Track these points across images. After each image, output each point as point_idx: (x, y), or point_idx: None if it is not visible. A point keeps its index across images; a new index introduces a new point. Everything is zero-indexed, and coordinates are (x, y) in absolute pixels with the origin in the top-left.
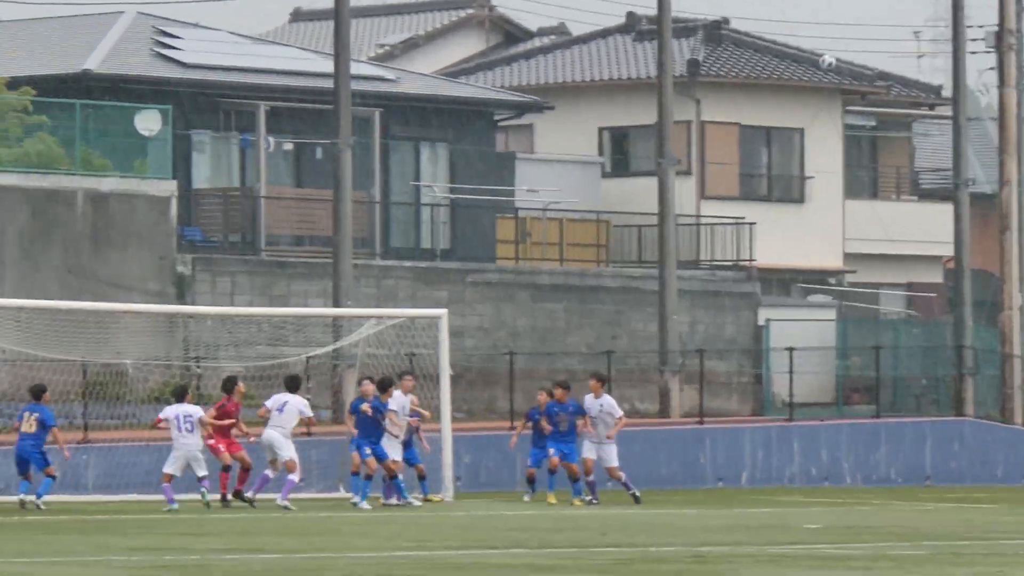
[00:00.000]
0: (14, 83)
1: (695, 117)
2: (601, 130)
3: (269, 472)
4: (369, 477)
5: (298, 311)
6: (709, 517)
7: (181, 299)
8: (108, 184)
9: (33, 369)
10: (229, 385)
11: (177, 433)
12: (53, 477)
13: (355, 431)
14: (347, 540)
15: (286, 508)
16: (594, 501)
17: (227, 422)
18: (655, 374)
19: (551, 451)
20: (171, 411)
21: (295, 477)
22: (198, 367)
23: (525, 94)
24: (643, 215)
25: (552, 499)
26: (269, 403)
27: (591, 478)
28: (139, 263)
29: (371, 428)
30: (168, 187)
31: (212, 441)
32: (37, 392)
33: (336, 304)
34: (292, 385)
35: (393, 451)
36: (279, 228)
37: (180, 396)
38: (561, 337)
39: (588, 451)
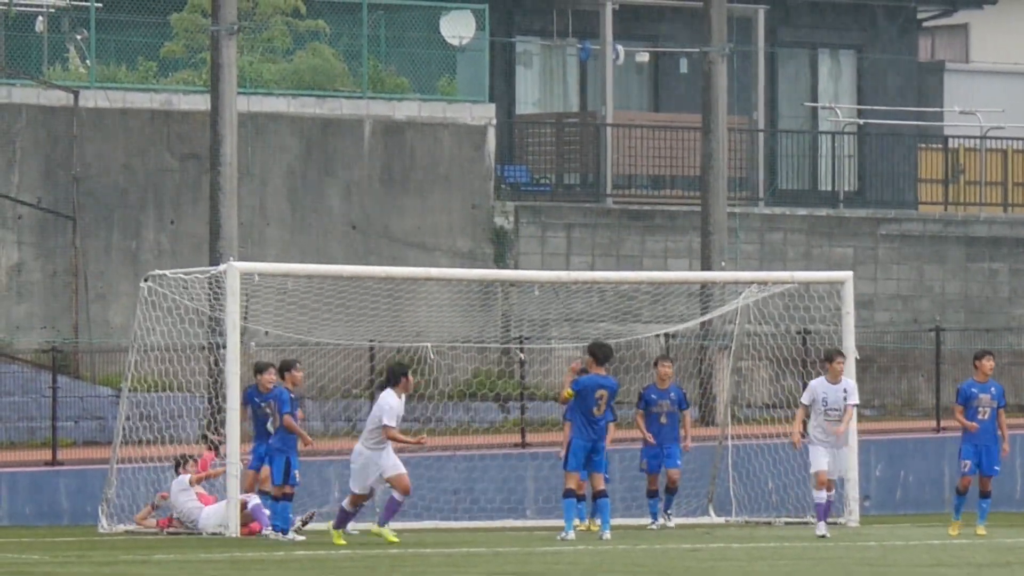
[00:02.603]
0: None
1: None
2: None
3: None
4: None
5: (655, 275)
6: None
7: (500, 260)
8: (404, 110)
9: (304, 354)
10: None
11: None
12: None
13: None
14: None
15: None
16: None
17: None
18: None
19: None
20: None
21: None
22: (521, 351)
23: None
24: None
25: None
26: None
27: None
28: (445, 214)
29: None
30: (483, 113)
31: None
32: (282, 368)
33: (705, 266)
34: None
35: None
36: (630, 167)
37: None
38: (1005, 307)
39: None
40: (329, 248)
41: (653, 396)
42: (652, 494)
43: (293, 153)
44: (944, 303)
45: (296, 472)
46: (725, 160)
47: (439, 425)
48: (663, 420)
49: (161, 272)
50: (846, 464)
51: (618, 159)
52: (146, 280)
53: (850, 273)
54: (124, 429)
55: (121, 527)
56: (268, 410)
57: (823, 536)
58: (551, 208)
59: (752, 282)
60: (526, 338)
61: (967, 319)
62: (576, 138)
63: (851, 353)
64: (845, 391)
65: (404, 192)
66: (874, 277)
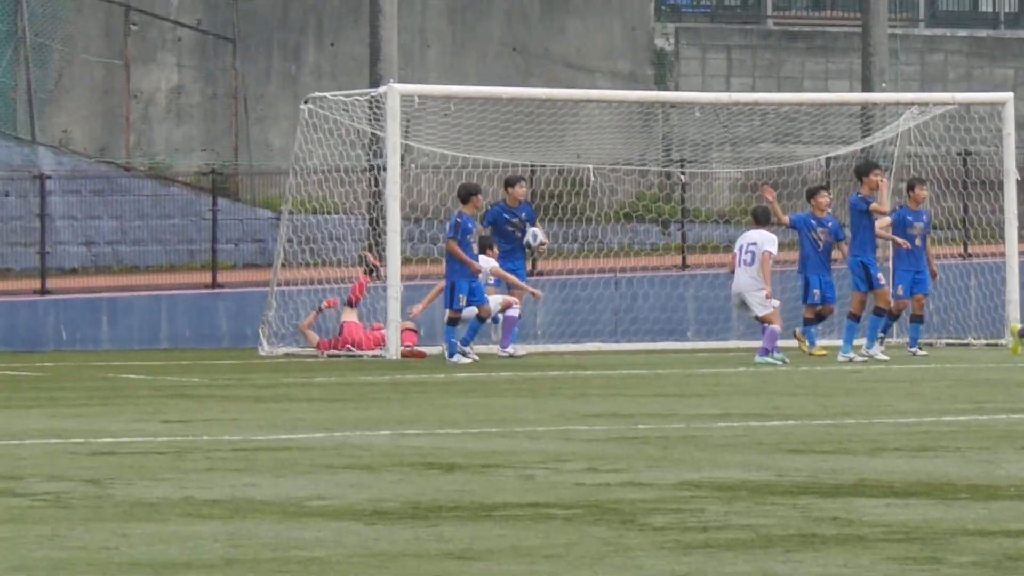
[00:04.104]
0: None
1: None
2: None
3: None
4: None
5: (816, 97)
6: None
7: (661, 83)
8: None
9: (463, 177)
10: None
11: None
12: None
13: None
14: (882, 401)
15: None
16: None
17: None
18: None
19: None
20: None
21: (775, 328)
22: (683, 174)
23: None
24: None
25: None
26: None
27: None
28: (605, 36)
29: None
30: None
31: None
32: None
33: (866, 87)
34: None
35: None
36: None
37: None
38: None
39: None
40: (489, 71)
41: (813, 222)
42: (810, 321)
43: None
44: None
45: (462, 296)
46: None
47: (600, 247)
48: (820, 248)
49: (321, 94)
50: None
51: None
52: (306, 102)
53: (1011, 94)
54: (284, 251)
55: (282, 349)
56: (517, 224)
57: None
58: (711, 30)
59: (913, 103)
60: (687, 160)
61: None
62: None
63: (1012, 175)
64: None
65: (564, 14)
66: None
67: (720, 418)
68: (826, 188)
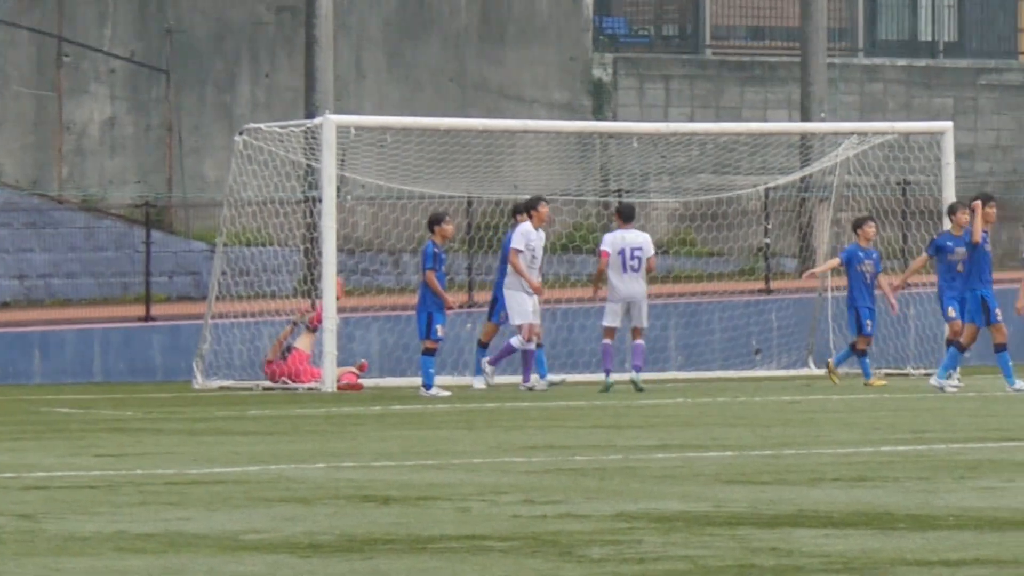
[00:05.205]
0: None
1: None
2: None
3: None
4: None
5: (754, 127)
6: None
7: (598, 113)
8: None
9: (398, 209)
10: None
11: (621, 274)
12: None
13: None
14: (821, 432)
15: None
16: None
17: None
18: None
19: None
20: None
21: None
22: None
23: None
24: None
25: None
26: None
27: None
28: (543, 66)
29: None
30: None
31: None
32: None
33: (805, 117)
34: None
35: None
36: (729, 18)
37: (628, 217)
38: None
39: None
40: (426, 101)
41: (860, 255)
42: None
43: (390, 6)
44: None
45: (439, 327)
46: (824, 10)
47: (540, 278)
48: (867, 280)
49: (256, 125)
50: None
51: (717, 10)
52: (241, 133)
53: (950, 123)
54: (219, 284)
55: (216, 382)
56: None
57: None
58: (649, 60)
59: (852, 133)
60: (625, 191)
61: None
62: None
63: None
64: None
65: (501, 44)
66: (974, 127)
67: (658, 449)
68: (872, 219)
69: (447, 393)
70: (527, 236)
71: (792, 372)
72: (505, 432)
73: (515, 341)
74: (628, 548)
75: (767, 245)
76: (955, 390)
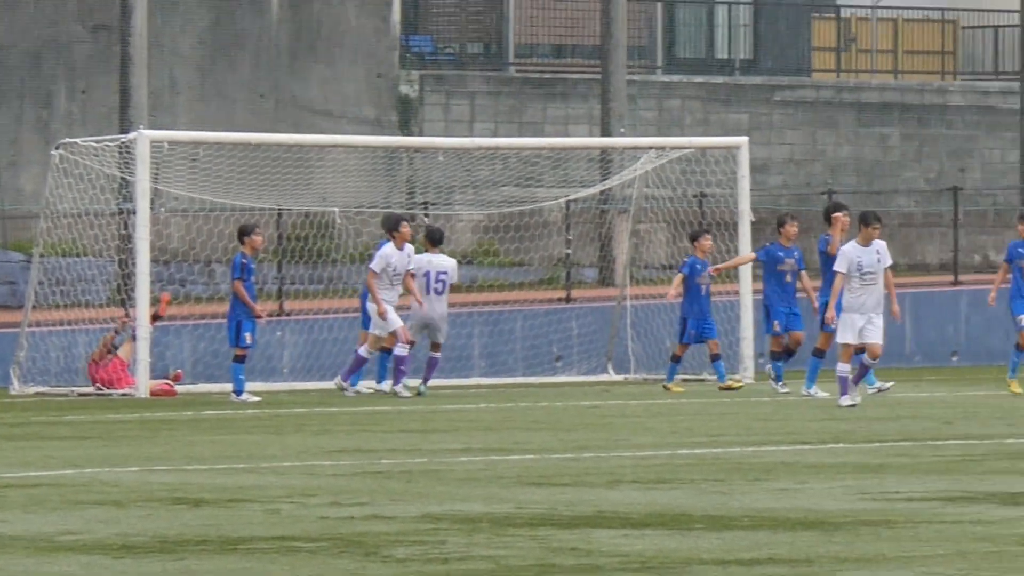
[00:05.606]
0: None
1: None
2: None
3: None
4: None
5: (556, 142)
6: None
7: (405, 128)
8: None
9: (211, 221)
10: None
11: (424, 295)
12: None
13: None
14: (619, 436)
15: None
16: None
17: None
18: (1014, 216)
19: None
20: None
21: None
22: (426, 215)
23: None
24: (1001, 13)
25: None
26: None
27: None
28: (351, 83)
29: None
30: None
31: None
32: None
33: (605, 132)
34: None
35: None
36: (532, 36)
37: (437, 241)
38: (894, 170)
39: None
40: (238, 117)
41: (779, 254)
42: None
43: (203, 25)
44: (836, 167)
45: (248, 335)
46: (624, 29)
47: (345, 288)
48: (787, 279)
49: (72, 140)
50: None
51: (520, 29)
52: (57, 148)
53: (745, 138)
54: (35, 293)
55: (32, 389)
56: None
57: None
58: (455, 77)
59: (650, 147)
60: (431, 203)
61: (858, 182)
62: (479, 8)
63: (746, 216)
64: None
65: (311, 61)
66: (768, 142)
67: (462, 452)
68: (793, 216)
69: (257, 399)
70: (387, 259)
71: (592, 378)
72: (313, 436)
73: (362, 351)
74: (432, 548)
75: (567, 256)
76: (826, 395)
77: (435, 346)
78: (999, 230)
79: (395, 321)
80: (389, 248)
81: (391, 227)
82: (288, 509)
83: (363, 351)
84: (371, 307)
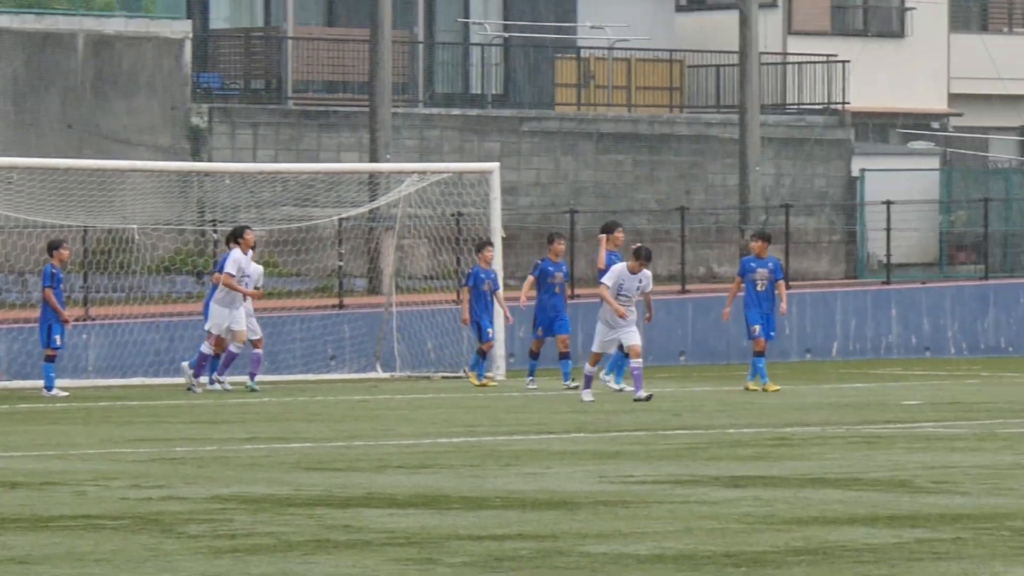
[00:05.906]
0: None
1: None
2: None
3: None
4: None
5: (329, 167)
6: (794, 394)
7: (196, 155)
8: (113, 25)
9: (24, 236)
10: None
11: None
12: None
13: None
14: (386, 426)
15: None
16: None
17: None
18: (735, 233)
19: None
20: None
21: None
22: (215, 232)
23: None
24: (722, 53)
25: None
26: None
27: None
28: (148, 115)
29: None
30: (181, 28)
31: None
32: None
33: (373, 158)
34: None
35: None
36: (308, 73)
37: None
38: (629, 192)
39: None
40: (47, 144)
41: (550, 268)
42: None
43: (16, 63)
44: (578, 189)
45: (57, 337)
46: (390, 68)
47: (144, 296)
48: (556, 291)
49: None
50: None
51: (298, 67)
52: None
53: (497, 164)
54: None
55: None
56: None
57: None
58: (240, 109)
59: (413, 172)
60: (219, 221)
61: (597, 203)
62: (261, 49)
63: (498, 232)
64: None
65: (112, 94)
66: (518, 167)
67: (248, 441)
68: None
69: (66, 394)
70: (239, 262)
71: (362, 375)
72: (116, 427)
73: (205, 347)
74: (221, 526)
75: (340, 267)
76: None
77: (256, 343)
78: (721, 245)
79: (241, 321)
80: (237, 253)
81: (237, 235)
82: (93, 491)
83: (234, 347)
84: (215, 307)
